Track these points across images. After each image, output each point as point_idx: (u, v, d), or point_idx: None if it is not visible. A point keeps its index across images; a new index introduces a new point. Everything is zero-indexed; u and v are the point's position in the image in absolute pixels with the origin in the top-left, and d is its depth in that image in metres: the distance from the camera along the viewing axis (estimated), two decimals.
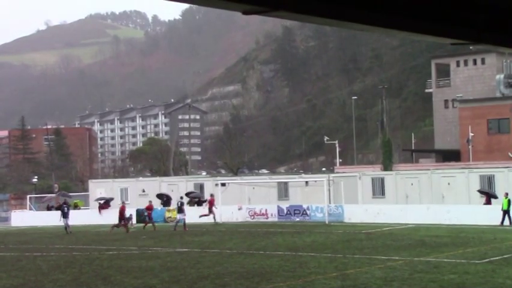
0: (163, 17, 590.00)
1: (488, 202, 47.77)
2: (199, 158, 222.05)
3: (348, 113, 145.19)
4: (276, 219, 52.88)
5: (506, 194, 43.63)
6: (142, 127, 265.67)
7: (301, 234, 42.15)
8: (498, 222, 43.79)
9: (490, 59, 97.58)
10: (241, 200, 55.97)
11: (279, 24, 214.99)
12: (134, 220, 53.57)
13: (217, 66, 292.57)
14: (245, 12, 2.96)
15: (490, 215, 45.08)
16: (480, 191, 48.95)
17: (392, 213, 48.80)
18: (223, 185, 57.49)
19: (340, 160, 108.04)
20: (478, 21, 3.56)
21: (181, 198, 52.56)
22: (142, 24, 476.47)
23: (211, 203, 52.39)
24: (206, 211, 52.17)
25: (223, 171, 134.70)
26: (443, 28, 3.50)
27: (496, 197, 47.66)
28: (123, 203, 51.81)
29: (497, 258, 28.47)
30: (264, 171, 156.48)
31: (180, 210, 49.19)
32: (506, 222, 43.16)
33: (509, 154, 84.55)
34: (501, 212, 43.72)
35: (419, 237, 37.71)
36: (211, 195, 53.45)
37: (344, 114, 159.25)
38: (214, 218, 51.65)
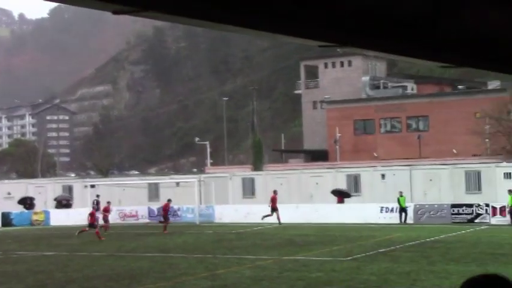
0: (30, 15, 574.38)
1: (340, 201, 49.21)
2: (68, 159, 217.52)
3: (218, 114, 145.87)
4: (146, 221, 52.52)
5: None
6: (9, 128, 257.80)
7: (172, 235, 42.04)
8: (363, 221, 45.14)
9: (357, 62, 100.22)
10: (111, 201, 55.20)
11: (150, 24, 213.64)
12: None
13: (86, 66, 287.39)
14: (115, 12, 2.92)
15: (356, 214, 46.37)
16: (333, 192, 50.10)
17: (262, 213, 49.33)
18: (92, 186, 56.56)
19: (211, 161, 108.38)
20: (345, 24, 3.67)
21: (98, 196, 51.53)
22: (8, 22, 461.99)
23: (274, 201, 46.35)
24: (269, 211, 46.13)
25: (92, 173, 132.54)
26: (311, 30, 3.59)
27: (349, 196, 49.30)
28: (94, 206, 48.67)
29: (362, 255, 29.30)
30: (135, 172, 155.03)
31: (97, 209, 48.71)
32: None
33: (375, 154, 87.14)
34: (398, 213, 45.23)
35: (288, 236, 38.32)
36: (275, 192, 47.01)
37: (215, 115, 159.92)
38: (278, 218, 45.53)
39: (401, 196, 45.69)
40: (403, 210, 45.35)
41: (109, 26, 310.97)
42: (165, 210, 46.05)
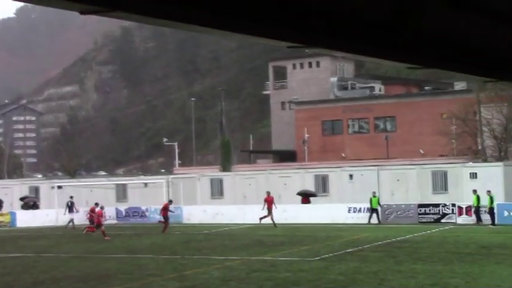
0: None
1: (306, 201, 49.39)
2: (34, 160, 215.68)
3: (187, 115, 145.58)
4: (114, 222, 52.28)
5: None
6: None
7: (140, 236, 41.89)
8: (331, 221, 45.34)
9: (325, 62, 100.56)
10: (79, 202, 54.87)
11: (118, 24, 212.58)
12: None
13: (54, 66, 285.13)
14: (82, 12, 2.91)
15: (324, 214, 46.55)
16: (299, 194, 50.22)
17: (230, 214, 49.44)
18: (59, 187, 56.17)
19: (180, 161, 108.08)
20: (314, 26, 3.69)
21: (71, 197, 51.22)
22: None
23: (269, 202, 45.71)
24: (265, 212, 45.48)
25: (59, 174, 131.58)
26: (279, 31, 3.60)
27: (315, 195, 49.57)
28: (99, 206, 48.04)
29: (329, 255, 29.42)
30: (102, 173, 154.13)
31: (71, 209, 49.43)
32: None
33: (343, 154, 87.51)
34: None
35: (256, 237, 38.35)
36: (268, 193, 46.55)
37: (183, 116, 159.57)
38: (272, 219, 45.02)
39: (374, 196, 45.91)
40: (374, 210, 45.54)
41: (76, 26, 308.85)
42: (165, 210, 45.40)
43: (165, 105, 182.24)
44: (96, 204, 45.65)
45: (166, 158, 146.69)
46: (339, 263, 26.82)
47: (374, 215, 45.41)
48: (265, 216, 45.05)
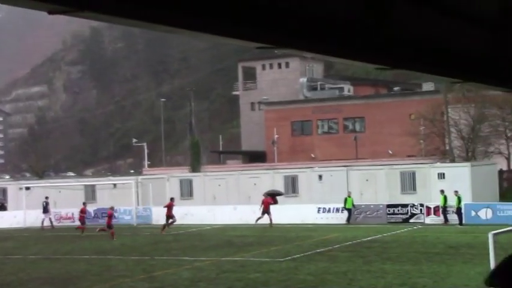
0: None
1: (274, 202, 49.46)
2: (2, 161, 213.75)
3: (156, 115, 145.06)
4: (50, 225, 51.85)
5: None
6: None
7: (109, 237, 41.66)
8: (301, 221, 45.46)
9: (294, 63, 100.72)
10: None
11: (87, 24, 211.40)
12: None
13: (21, 66, 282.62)
14: (50, 12, 2.88)
15: (293, 214, 46.64)
16: (266, 194, 50.27)
17: (200, 214, 49.36)
18: (27, 188, 55.71)
19: (149, 162, 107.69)
20: (283, 26, 3.69)
21: (46, 198, 51.71)
22: None
23: (266, 203, 45.78)
24: (260, 214, 45.52)
25: (28, 175, 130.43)
26: (249, 32, 3.60)
27: (281, 194, 49.72)
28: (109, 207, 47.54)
29: (299, 255, 29.50)
30: (71, 174, 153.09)
31: (45, 210, 50.39)
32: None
33: (312, 155, 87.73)
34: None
35: (226, 238, 38.35)
36: (266, 195, 46.61)
37: (153, 116, 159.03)
38: (270, 219, 44.76)
39: (349, 197, 46.08)
40: (348, 210, 45.70)
41: (45, 26, 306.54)
42: (169, 208, 44.99)
43: (134, 105, 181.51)
44: (84, 204, 45.91)
45: (136, 158, 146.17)
46: (308, 263, 26.90)
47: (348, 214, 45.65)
48: (260, 218, 45.01)
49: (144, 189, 54.03)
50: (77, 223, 52.03)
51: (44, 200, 51.48)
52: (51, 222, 50.77)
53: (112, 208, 44.58)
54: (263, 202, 45.92)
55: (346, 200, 46.09)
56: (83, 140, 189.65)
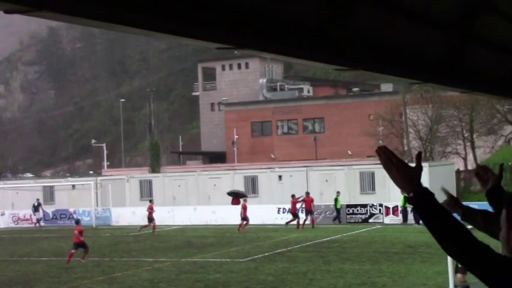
0: None
1: (236, 203, 49.43)
2: None
3: (116, 116, 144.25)
4: (41, 224, 51.53)
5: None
6: None
7: (68, 238, 41.24)
8: (261, 222, 45.49)
9: (254, 64, 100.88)
10: (4, 205, 53.93)
11: (45, 24, 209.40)
12: None
13: None
14: (7, 11, 2.84)
15: (253, 215, 46.64)
16: (229, 193, 50.29)
17: (160, 215, 49.08)
18: None
19: (108, 163, 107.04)
20: (242, 27, 3.69)
21: (38, 199, 52.57)
22: None
23: (307, 203, 44.26)
24: (290, 216, 44.35)
25: None
26: (208, 32, 3.59)
27: (245, 196, 49.60)
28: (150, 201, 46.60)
29: (259, 256, 29.55)
30: (29, 175, 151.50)
31: (36, 209, 51.41)
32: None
33: (272, 155, 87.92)
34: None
35: (186, 238, 38.27)
36: (293, 197, 44.73)
37: (112, 117, 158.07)
38: (304, 221, 43.61)
39: (338, 197, 45.90)
40: (337, 210, 45.61)
41: (1, 25, 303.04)
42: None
43: (93, 106, 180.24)
44: (151, 201, 45.27)
45: (95, 159, 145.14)
46: (268, 264, 26.96)
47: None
48: (291, 220, 43.87)
49: (104, 190, 53.67)
50: (37, 224, 51.68)
51: (36, 200, 52.76)
52: (38, 222, 51.73)
53: (151, 201, 45.58)
54: (294, 203, 44.23)
55: (336, 200, 45.81)
56: (41, 141, 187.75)
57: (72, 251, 29.58)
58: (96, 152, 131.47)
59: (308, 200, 44.39)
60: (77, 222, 32.75)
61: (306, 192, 45.47)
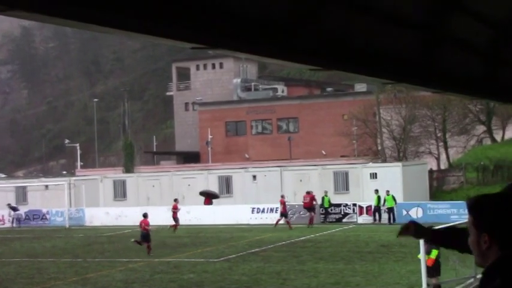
0: None
1: (209, 203, 49.44)
2: None
3: (89, 116, 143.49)
4: (13, 225, 51.17)
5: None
6: None
7: (41, 239, 41.06)
8: (235, 222, 45.50)
9: (228, 64, 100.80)
10: None
11: (17, 24, 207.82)
12: None
13: None
14: None
15: (227, 215, 46.67)
16: (201, 193, 50.28)
17: (133, 216, 48.83)
18: None
19: (82, 163, 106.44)
20: (217, 27, 3.70)
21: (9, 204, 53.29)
22: None
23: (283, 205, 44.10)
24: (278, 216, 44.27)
25: None
26: (183, 32, 3.59)
27: (217, 197, 49.61)
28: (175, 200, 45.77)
29: (233, 256, 29.55)
30: (2, 175, 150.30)
31: (15, 209, 52.04)
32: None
33: (246, 155, 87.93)
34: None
35: (160, 238, 38.15)
36: (282, 196, 44.59)
37: (86, 117, 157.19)
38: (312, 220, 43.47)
39: (326, 196, 45.89)
40: (325, 209, 45.58)
41: None
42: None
43: (66, 106, 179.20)
44: (176, 200, 44.67)
45: (68, 159, 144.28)
46: (242, 264, 26.97)
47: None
48: (279, 220, 43.60)
49: (77, 191, 53.40)
50: (9, 225, 51.33)
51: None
52: (13, 221, 51.87)
53: (176, 200, 44.92)
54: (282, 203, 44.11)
55: (324, 199, 45.73)
56: (13, 141, 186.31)
57: (148, 243, 31.58)
58: (70, 152, 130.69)
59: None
60: (145, 216, 33.57)
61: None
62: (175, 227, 42.96)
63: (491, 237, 2.98)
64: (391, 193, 43.77)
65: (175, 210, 43.88)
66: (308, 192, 44.94)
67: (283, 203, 43.95)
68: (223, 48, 4.35)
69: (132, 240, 33.36)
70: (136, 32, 3.66)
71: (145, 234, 32.26)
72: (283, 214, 43.68)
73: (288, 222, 42.65)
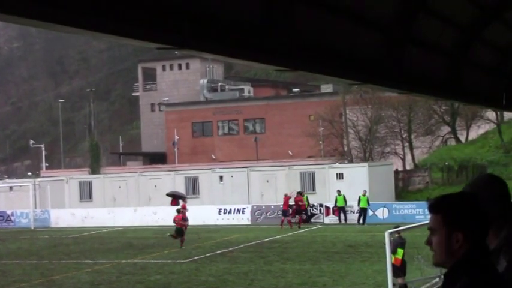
0: None
1: (175, 203, 49.20)
2: None
3: (54, 116, 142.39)
4: None
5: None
6: None
7: (5, 241, 40.65)
8: (202, 223, 45.39)
9: (194, 64, 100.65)
10: None
11: None
12: None
13: None
14: None
15: (194, 216, 46.54)
16: (168, 194, 50.06)
17: (100, 217, 48.73)
18: None
19: (47, 164, 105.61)
20: (183, 27, 3.68)
21: None
22: None
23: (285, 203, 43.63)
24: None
25: None
26: (148, 32, 3.57)
27: (184, 198, 49.38)
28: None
29: (201, 257, 29.52)
30: None
31: None
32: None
33: (213, 156, 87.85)
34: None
35: (126, 240, 38.01)
36: (287, 195, 44.02)
37: (51, 118, 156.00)
38: (300, 221, 43.38)
39: (363, 196, 45.36)
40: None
41: None
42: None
43: (31, 106, 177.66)
44: (185, 199, 43.40)
45: (33, 160, 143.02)
46: (209, 265, 26.94)
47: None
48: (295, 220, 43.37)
49: (42, 192, 52.94)
50: None
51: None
52: None
53: (184, 200, 43.53)
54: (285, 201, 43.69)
55: (306, 198, 45.46)
56: None
57: (182, 237, 33.58)
58: (35, 153, 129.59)
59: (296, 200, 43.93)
60: (178, 211, 36.16)
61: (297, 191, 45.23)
62: (185, 227, 42.70)
63: (465, 235, 2.96)
64: (367, 194, 43.66)
65: (184, 210, 43.50)
66: (299, 193, 44.68)
67: (287, 200, 43.50)
68: (190, 49, 4.34)
69: (168, 234, 34.94)
70: (101, 32, 3.63)
71: (179, 229, 34.02)
72: (285, 212, 43.38)
73: (288, 221, 42.72)
